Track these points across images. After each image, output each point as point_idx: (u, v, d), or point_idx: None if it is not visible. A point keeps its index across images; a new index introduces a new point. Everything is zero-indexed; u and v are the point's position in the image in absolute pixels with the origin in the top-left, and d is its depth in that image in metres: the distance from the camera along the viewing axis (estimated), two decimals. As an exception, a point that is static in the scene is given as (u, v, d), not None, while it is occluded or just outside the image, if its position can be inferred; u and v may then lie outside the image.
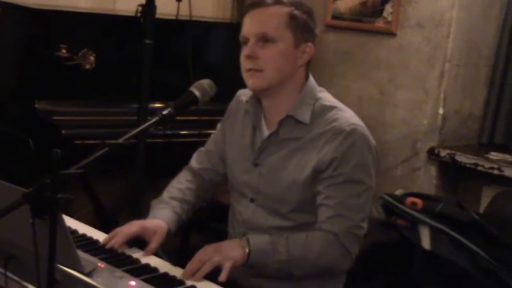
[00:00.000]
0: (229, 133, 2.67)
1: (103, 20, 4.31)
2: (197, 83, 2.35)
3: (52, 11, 4.09)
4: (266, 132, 2.53)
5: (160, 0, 3.77)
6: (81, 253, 2.15)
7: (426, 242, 3.51)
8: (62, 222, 1.81)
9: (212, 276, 2.20)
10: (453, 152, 4.14)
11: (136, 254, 2.33)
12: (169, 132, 4.09)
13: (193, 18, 4.23)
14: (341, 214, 2.36)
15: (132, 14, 3.76)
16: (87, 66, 4.02)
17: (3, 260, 1.95)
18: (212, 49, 4.63)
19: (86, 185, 4.28)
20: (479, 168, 4.01)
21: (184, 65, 4.15)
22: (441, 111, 4.25)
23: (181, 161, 2.82)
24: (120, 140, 2.01)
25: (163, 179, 2.79)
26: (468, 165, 4.07)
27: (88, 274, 2.03)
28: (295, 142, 2.46)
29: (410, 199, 3.62)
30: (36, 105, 3.89)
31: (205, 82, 2.36)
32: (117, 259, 2.24)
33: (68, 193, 1.62)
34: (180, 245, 4.42)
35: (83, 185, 4.24)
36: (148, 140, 3.78)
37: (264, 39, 2.39)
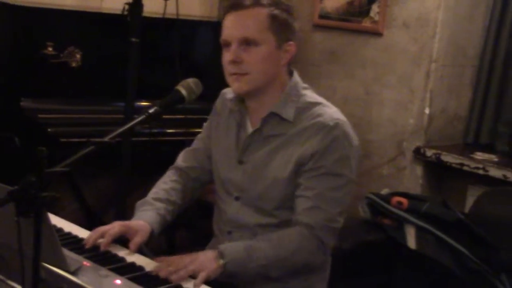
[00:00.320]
0: (214, 131, 2.67)
1: (89, 18, 4.30)
2: (183, 82, 2.35)
3: (38, 8, 4.08)
4: (250, 130, 2.53)
5: (147, -1, 3.77)
6: (66, 252, 2.14)
7: (411, 241, 3.53)
8: (47, 220, 1.81)
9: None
10: (439, 152, 4.15)
11: (122, 252, 2.32)
12: (155, 130, 4.08)
13: (180, 17, 4.23)
14: (319, 206, 2.37)
15: (119, 12, 3.76)
16: (73, 64, 4.02)
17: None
18: (199, 48, 4.63)
19: (72, 183, 4.28)
20: (465, 168, 4.02)
21: (170, 63, 4.15)
22: (427, 111, 4.26)
23: (167, 160, 2.82)
24: (106, 139, 2.01)
25: (149, 177, 2.79)
26: (453, 165, 4.08)
27: (73, 273, 2.02)
28: (279, 138, 2.47)
29: (396, 199, 3.64)
30: (22, 103, 3.88)
31: (192, 81, 2.36)
32: (103, 258, 2.23)
33: (54, 191, 1.62)
34: (166, 243, 4.42)
35: (68, 183, 4.23)
36: (134, 139, 3.78)
37: (247, 42, 2.38)
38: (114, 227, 2.38)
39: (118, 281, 2.05)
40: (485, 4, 4.32)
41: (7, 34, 4.10)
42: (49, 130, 3.80)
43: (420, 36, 4.27)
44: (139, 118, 2.19)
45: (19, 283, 1.83)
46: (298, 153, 2.41)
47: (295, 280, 2.48)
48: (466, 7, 4.26)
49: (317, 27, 4.81)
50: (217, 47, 2.50)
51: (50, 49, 3.94)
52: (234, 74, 2.42)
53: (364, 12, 4.52)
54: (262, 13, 2.40)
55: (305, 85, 2.57)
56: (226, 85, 2.60)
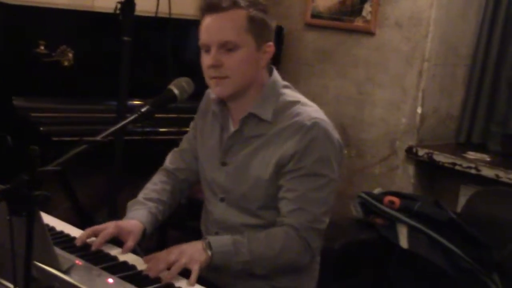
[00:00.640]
0: (200, 132, 2.67)
1: (82, 16, 4.29)
2: (176, 81, 2.35)
3: (30, 7, 4.07)
4: (232, 130, 2.52)
5: (139, -2, 3.76)
6: (58, 251, 2.14)
7: (403, 240, 3.53)
8: (39, 219, 1.81)
9: (186, 273, 2.21)
10: (431, 151, 4.16)
11: (114, 251, 2.32)
12: (148, 129, 4.08)
13: (173, 16, 4.22)
14: (302, 207, 2.37)
15: (111, 11, 3.76)
16: (66, 63, 4.01)
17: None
18: (191, 47, 4.62)
19: (64, 182, 4.27)
20: (457, 167, 4.03)
21: (163, 62, 4.15)
22: (419, 110, 4.27)
23: (159, 159, 2.81)
24: (98, 138, 2.01)
25: (141, 176, 2.78)
26: (446, 165, 4.09)
27: (65, 272, 2.02)
28: (259, 139, 2.46)
29: (388, 198, 3.64)
30: (14, 102, 3.87)
31: (184, 80, 2.36)
32: (95, 257, 2.23)
33: (46, 190, 1.62)
34: (158, 243, 4.41)
35: (61, 182, 4.23)
36: (126, 138, 3.78)
37: (226, 46, 2.36)
38: (108, 228, 2.38)
39: (110, 280, 2.05)
40: (477, 3, 4.33)
41: (-1, 32, 4.10)
42: (41, 129, 3.79)
43: (412, 35, 4.28)
44: (132, 117, 2.19)
45: (11, 282, 1.83)
46: (278, 154, 2.40)
47: (283, 279, 2.48)
48: (458, 6, 4.27)
49: (309, 26, 4.81)
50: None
51: (42, 47, 3.93)
52: (215, 77, 2.40)
53: (356, 11, 4.53)
54: (240, 15, 2.37)
55: (285, 83, 2.55)
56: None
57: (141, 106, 2.21)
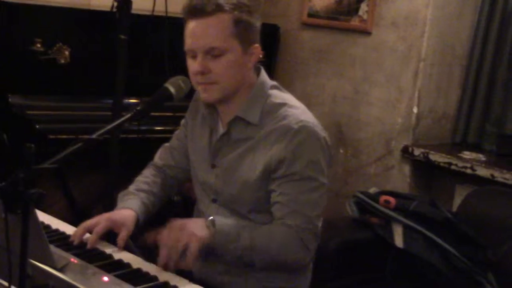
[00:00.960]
0: (190, 132, 2.66)
1: (78, 14, 4.28)
2: (172, 79, 2.35)
3: (27, 4, 4.06)
4: (221, 133, 2.52)
5: (136, -4, 3.75)
6: (53, 248, 2.14)
7: (399, 240, 3.53)
8: (35, 217, 1.81)
9: (186, 272, 2.21)
10: (427, 151, 4.16)
11: (109, 249, 2.32)
12: (144, 127, 4.07)
13: (169, 14, 4.21)
14: (296, 210, 2.36)
15: (108, 9, 3.75)
16: (62, 61, 4.00)
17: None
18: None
19: (60, 180, 4.26)
20: (453, 167, 4.03)
21: (159, 61, 4.14)
22: (415, 110, 4.27)
23: (155, 157, 2.83)
24: (94, 136, 2.01)
25: (137, 174, 2.78)
26: (441, 164, 4.09)
27: (60, 270, 2.02)
28: (247, 142, 2.45)
29: (384, 197, 3.64)
30: (10, 99, 3.87)
31: (180, 78, 2.36)
32: (90, 255, 2.23)
33: (42, 188, 1.62)
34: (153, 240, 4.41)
35: (57, 180, 4.22)
36: (122, 136, 3.77)
37: (212, 52, 2.34)
38: (100, 223, 2.38)
39: (106, 278, 2.05)
40: (473, 3, 4.33)
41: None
42: (37, 126, 3.78)
43: (408, 35, 4.28)
44: (128, 115, 2.19)
45: (6, 280, 1.83)
46: (266, 157, 2.38)
47: (276, 280, 2.48)
48: (455, 6, 4.27)
49: (306, 25, 4.81)
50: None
51: (38, 45, 3.93)
52: (202, 83, 2.39)
53: (352, 11, 4.53)
54: (225, 19, 2.33)
55: (273, 83, 2.53)
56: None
57: (137, 104, 2.22)
